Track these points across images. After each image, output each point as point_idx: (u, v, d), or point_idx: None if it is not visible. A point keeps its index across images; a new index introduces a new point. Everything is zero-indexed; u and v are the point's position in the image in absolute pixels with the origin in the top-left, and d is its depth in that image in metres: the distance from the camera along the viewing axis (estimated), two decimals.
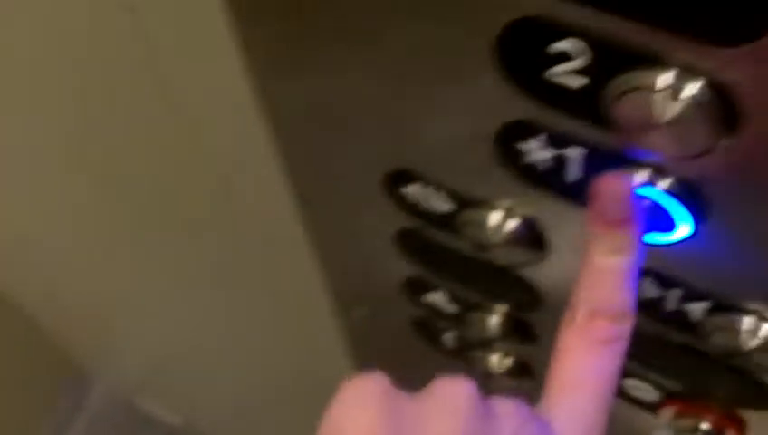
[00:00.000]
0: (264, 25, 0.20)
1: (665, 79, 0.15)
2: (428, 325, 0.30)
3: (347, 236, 0.27)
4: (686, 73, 0.15)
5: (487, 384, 0.30)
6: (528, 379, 0.30)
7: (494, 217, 0.22)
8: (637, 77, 0.16)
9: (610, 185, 0.18)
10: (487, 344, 0.29)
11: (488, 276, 0.25)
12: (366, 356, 0.35)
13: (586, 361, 0.19)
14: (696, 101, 0.15)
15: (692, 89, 0.15)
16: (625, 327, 0.20)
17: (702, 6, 0.14)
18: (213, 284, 0.39)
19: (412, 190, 0.23)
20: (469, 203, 0.22)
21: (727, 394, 0.24)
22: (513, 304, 0.26)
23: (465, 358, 0.30)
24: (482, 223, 0.22)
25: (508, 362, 0.29)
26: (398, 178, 0.23)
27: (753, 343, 0.21)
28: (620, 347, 0.20)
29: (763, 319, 0.21)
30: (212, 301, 0.41)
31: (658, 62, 0.15)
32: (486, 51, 0.17)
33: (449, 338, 0.30)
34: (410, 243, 0.25)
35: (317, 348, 0.39)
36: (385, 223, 0.25)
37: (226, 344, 0.45)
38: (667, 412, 0.26)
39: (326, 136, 0.23)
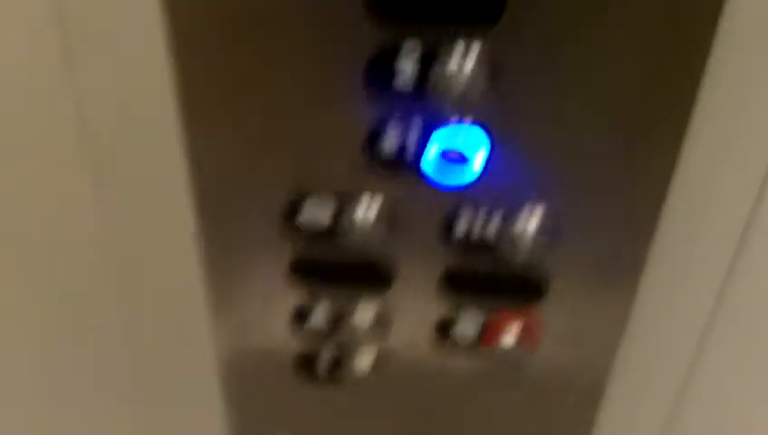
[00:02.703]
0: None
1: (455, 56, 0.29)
2: (307, 357, 0.40)
3: (243, 277, 0.37)
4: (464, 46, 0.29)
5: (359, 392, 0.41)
6: (387, 369, 0.40)
7: (361, 209, 0.34)
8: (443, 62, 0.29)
9: None
10: (354, 350, 0.39)
11: (356, 271, 0.36)
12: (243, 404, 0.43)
13: None
14: (476, 64, 0.29)
15: (471, 57, 0.29)
16: None
17: (460, 10, 0.28)
18: None
19: (306, 210, 0.34)
20: (341, 205, 0.34)
21: (517, 298, 0.38)
22: (372, 290, 0.37)
23: (335, 378, 0.40)
24: (353, 218, 0.34)
25: (370, 358, 0.40)
26: (293, 205, 0.34)
27: (529, 235, 0.35)
28: None
29: (528, 215, 0.35)
30: None
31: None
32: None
33: (324, 362, 0.40)
34: (302, 268, 0.36)
35: None
36: (279, 257, 0.35)
37: None
38: (496, 337, 0.38)
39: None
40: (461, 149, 0.31)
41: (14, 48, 0.30)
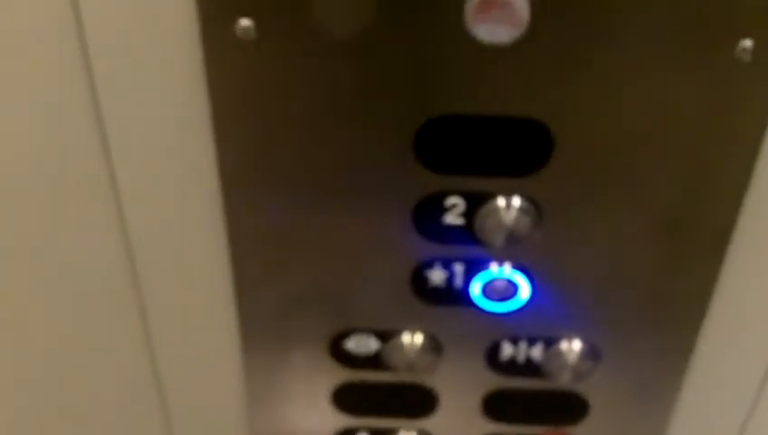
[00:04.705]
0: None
1: (501, 202, 0.30)
2: None
3: (287, 399, 0.37)
4: (510, 194, 0.30)
5: None
6: None
7: (407, 339, 0.34)
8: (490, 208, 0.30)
9: None
10: None
11: (400, 397, 0.37)
12: None
13: None
14: (521, 210, 0.30)
15: (516, 202, 0.30)
16: None
17: (505, 162, 0.29)
18: None
19: (352, 343, 0.34)
20: (388, 336, 0.34)
21: (559, 418, 0.38)
22: (416, 414, 0.38)
23: None
24: (400, 347, 0.34)
25: None
26: (341, 337, 0.34)
27: (571, 359, 0.35)
28: None
29: (571, 340, 0.35)
30: None
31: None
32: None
33: None
34: (346, 394, 0.36)
35: None
36: (324, 382, 0.36)
37: None
38: None
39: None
40: (507, 279, 0.32)
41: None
